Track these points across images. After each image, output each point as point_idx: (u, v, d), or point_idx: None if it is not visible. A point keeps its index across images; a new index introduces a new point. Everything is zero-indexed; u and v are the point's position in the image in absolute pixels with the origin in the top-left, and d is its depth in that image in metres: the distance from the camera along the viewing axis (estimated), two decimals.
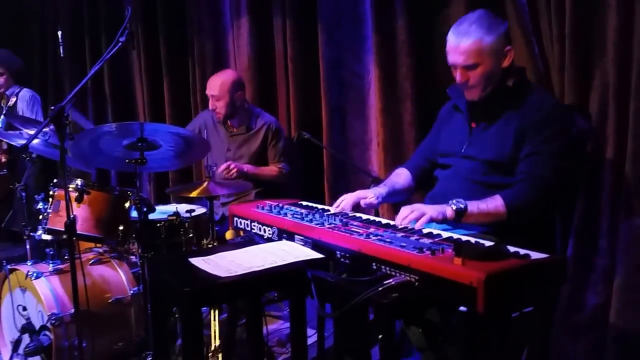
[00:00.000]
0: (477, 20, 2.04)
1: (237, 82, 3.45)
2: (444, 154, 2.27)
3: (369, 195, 2.17)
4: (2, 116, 4.15)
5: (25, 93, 4.39)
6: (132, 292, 2.78)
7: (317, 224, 1.92)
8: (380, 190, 2.24)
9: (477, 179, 2.09)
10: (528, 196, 1.97)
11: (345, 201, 2.15)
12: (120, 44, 2.32)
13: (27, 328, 2.64)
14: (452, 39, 2.07)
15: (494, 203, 1.95)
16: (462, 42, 2.03)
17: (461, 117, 2.24)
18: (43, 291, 2.58)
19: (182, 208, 3.09)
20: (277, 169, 3.49)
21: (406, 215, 1.87)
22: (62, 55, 3.36)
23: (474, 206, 1.93)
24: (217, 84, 3.40)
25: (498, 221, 1.96)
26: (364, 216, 2.06)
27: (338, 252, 1.74)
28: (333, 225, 1.90)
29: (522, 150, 2.02)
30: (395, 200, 2.40)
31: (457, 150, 2.19)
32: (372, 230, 1.81)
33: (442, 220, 1.92)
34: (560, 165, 2.00)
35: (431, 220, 1.88)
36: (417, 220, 1.86)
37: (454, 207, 1.91)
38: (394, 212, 2.92)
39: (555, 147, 1.99)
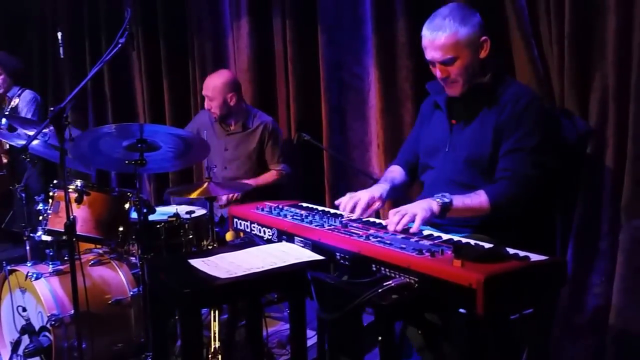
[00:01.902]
0: (451, 13, 2.02)
1: (230, 84, 3.43)
2: (427, 152, 2.26)
3: (375, 195, 2.09)
4: (4, 117, 4.15)
5: (28, 94, 4.38)
6: (132, 293, 2.78)
7: (317, 226, 1.92)
8: (384, 186, 2.21)
9: (462, 181, 2.08)
10: (512, 194, 1.97)
11: (362, 209, 2.04)
12: (120, 45, 2.31)
13: (27, 329, 2.64)
14: (427, 34, 2.04)
15: (479, 199, 1.96)
16: (437, 36, 2.00)
17: (441, 115, 2.23)
18: (43, 292, 2.58)
19: (182, 209, 3.09)
20: (276, 172, 3.49)
21: (398, 220, 1.83)
22: (62, 56, 3.35)
23: (459, 201, 1.93)
24: (210, 86, 3.42)
25: (479, 216, 1.98)
26: (364, 217, 2.05)
27: (338, 254, 1.74)
28: (333, 226, 1.90)
29: (501, 147, 2.02)
30: (395, 196, 2.39)
31: (440, 149, 2.18)
32: (371, 231, 1.81)
33: (430, 217, 1.89)
34: (542, 160, 2.00)
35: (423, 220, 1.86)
36: (410, 221, 1.83)
37: (440, 202, 1.90)
38: None
39: (535, 142, 1.99)
